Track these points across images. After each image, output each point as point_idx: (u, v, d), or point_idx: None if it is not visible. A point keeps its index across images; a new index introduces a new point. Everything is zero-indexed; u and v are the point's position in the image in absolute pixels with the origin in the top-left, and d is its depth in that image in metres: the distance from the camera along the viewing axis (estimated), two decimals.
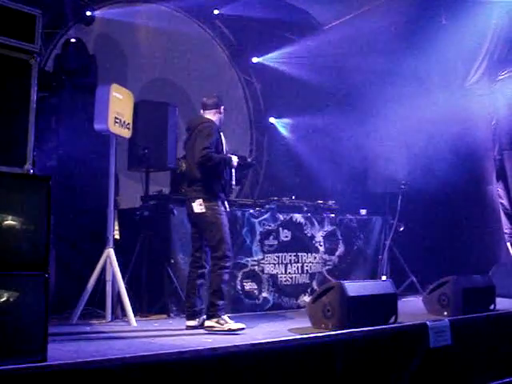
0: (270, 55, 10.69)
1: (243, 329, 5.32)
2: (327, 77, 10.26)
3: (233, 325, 5.37)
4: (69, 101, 7.18)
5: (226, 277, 5.61)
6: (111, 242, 5.98)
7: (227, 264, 5.60)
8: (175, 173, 7.69)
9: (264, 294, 7.14)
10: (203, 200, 5.65)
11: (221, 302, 5.52)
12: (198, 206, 5.65)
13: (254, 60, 10.98)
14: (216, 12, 10.15)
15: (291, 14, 10.28)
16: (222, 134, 6.01)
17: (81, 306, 5.76)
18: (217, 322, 5.43)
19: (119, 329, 5.54)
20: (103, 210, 6.14)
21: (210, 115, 5.94)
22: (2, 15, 3.90)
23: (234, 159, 5.94)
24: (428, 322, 5.38)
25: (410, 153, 8.55)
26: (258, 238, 7.13)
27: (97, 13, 8.40)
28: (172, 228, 6.55)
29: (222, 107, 6.04)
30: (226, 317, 5.47)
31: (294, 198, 8.10)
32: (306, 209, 7.88)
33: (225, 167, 5.83)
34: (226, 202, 5.90)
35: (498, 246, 9.15)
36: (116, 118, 6.04)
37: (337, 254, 8.00)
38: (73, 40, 7.64)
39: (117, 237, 6.74)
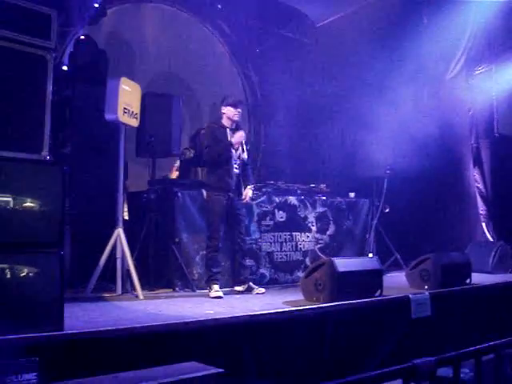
0: None
1: (220, 297, 5.82)
2: (319, 71, 10.26)
3: (213, 293, 5.91)
4: (82, 93, 7.17)
5: (212, 254, 6.12)
6: (121, 223, 5.99)
7: (210, 243, 6.12)
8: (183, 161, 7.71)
9: (261, 270, 7.16)
10: (206, 191, 6.30)
11: (209, 273, 6.11)
12: (204, 195, 6.38)
13: None
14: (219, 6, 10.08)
15: (285, 13, 10.24)
16: (228, 130, 6.31)
17: (93, 280, 5.77)
18: (209, 288, 6.04)
19: (129, 301, 5.56)
20: (113, 193, 6.15)
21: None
22: (22, 15, 3.91)
23: (236, 137, 6.27)
24: (410, 295, 5.42)
25: (395, 140, 8.54)
26: (255, 218, 7.15)
27: (107, 12, 8.34)
28: (176, 210, 6.55)
29: (225, 107, 6.34)
30: (214, 285, 6.01)
31: (288, 181, 8.10)
32: (299, 192, 7.87)
33: (226, 155, 6.18)
34: (231, 191, 6.26)
35: (474, 226, 9.20)
36: (125, 108, 6.03)
37: (328, 233, 8.01)
38: (82, 37, 7.61)
39: (126, 218, 6.76)
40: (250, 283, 6.31)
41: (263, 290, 6.27)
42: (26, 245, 3.61)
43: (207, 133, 6.33)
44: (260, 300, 5.74)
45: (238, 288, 6.33)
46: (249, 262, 6.77)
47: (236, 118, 6.33)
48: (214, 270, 6.08)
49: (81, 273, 6.16)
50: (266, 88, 11.26)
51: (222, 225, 6.17)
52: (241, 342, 4.20)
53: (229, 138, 6.27)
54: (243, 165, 6.46)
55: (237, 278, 6.40)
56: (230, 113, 6.30)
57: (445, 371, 3.48)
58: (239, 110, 6.36)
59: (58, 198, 3.77)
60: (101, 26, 8.23)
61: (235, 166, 6.31)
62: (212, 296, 5.84)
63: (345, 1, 9.54)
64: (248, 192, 6.44)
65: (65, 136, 6.90)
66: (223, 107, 6.35)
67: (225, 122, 6.34)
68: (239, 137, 6.28)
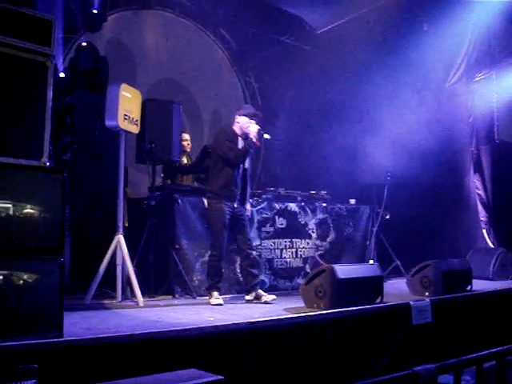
0: None
1: (221, 305, 5.77)
2: (320, 78, 10.29)
3: (213, 300, 5.86)
4: (82, 99, 7.17)
5: (212, 263, 6.08)
6: (121, 229, 5.97)
7: (213, 252, 6.08)
8: (171, 165, 7.70)
9: (261, 277, 7.12)
10: (207, 198, 6.25)
11: (210, 281, 6.04)
12: (205, 203, 6.33)
13: None
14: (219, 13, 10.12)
15: (286, 20, 10.27)
16: (240, 139, 6.24)
17: (94, 287, 5.75)
18: (209, 295, 5.98)
19: (129, 308, 5.54)
20: (113, 200, 6.14)
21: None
22: (23, 21, 3.91)
23: (252, 131, 6.15)
24: (411, 302, 5.41)
25: (395, 147, 8.54)
26: (255, 225, 7.14)
27: (108, 18, 8.37)
28: (177, 216, 6.55)
29: (240, 116, 6.26)
30: (214, 293, 5.96)
31: (289, 188, 8.09)
32: (299, 198, 7.87)
33: (241, 158, 6.15)
34: (235, 200, 6.17)
35: (474, 232, 9.20)
36: (125, 115, 6.02)
37: (328, 240, 8.01)
38: (84, 44, 7.62)
39: (126, 224, 6.75)
40: (259, 291, 6.17)
41: (273, 296, 6.10)
42: (25, 251, 3.60)
43: (224, 136, 6.23)
44: (260, 307, 5.71)
45: (247, 297, 6.22)
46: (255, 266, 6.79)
47: (248, 131, 6.18)
48: (216, 279, 6.03)
49: (81, 279, 6.15)
50: (266, 95, 11.29)
51: (226, 232, 6.08)
52: (241, 349, 4.18)
53: (240, 146, 6.20)
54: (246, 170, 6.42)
55: (244, 286, 6.34)
56: (243, 123, 6.21)
57: (445, 378, 3.47)
58: (253, 121, 6.23)
59: (58, 204, 3.77)
60: (101, 32, 8.25)
61: (240, 175, 6.27)
62: (212, 303, 5.80)
63: (345, 8, 9.56)
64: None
65: (65, 142, 6.90)
66: (238, 116, 6.28)
67: (237, 130, 6.26)
68: (255, 129, 6.16)
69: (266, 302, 6.00)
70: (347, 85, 9.80)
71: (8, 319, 3.41)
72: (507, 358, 3.82)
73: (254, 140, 6.14)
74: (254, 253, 6.40)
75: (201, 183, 7.61)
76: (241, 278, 6.80)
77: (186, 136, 8.05)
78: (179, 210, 6.57)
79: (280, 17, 10.15)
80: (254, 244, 6.93)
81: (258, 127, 6.19)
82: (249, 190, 6.45)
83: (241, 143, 6.24)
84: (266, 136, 6.29)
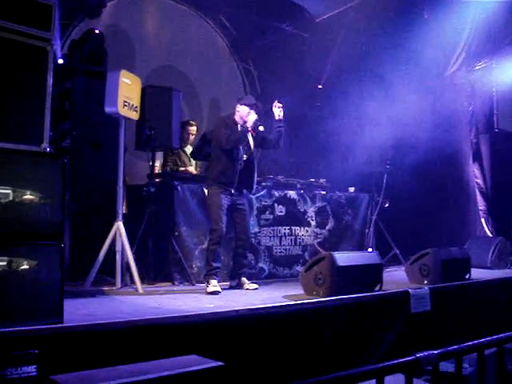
0: None
1: (218, 292, 5.67)
2: (319, 66, 10.25)
3: (210, 288, 5.72)
4: (81, 86, 7.13)
5: (212, 247, 5.97)
6: (120, 216, 5.97)
7: (212, 237, 5.99)
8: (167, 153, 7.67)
9: (260, 264, 7.15)
10: (206, 186, 6.28)
11: (208, 267, 5.96)
12: (206, 192, 6.35)
13: None
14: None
15: (285, 8, 10.21)
16: (239, 127, 6.22)
17: (93, 273, 5.75)
18: (206, 283, 5.87)
19: (128, 295, 5.54)
20: (113, 187, 6.12)
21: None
22: (22, 5, 3.88)
23: (250, 120, 6.18)
24: (410, 290, 5.41)
25: (394, 135, 8.51)
26: (254, 212, 7.13)
27: (107, 5, 8.32)
28: (176, 203, 6.54)
29: (240, 105, 6.26)
30: (212, 280, 5.84)
31: (288, 176, 8.08)
32: (299, 186, 7.86)
33: (242, 141, 6.18)
34: (232, 186, 6.12)
35: (473, 221, 9.20)
36: (125, 101, 6.00)
37: (327, 227, 8.00)
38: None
39: (125, 211, 6.74)
40: (243, 278, 6.23)
41: (256, 285, 6.15)
42: (25, 237, 3.59)
43: (222, 123, 6.27)
44: (260, 294, 5.72)
45: (231, 282, 6.34)
46: (248, 256, 6.78)
47: (247, 119, 6.20)
48: (214, 265, 5.94)
49: (80, 266, 6.14)
50: (265, 82, 11.24)
51: (225, 217, 6.03)
52: (241, 336, 4.18)
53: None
54: (263, 142, 6.56)
55: (231, 272, 6.41)
56: (243, 112, 6.21)
57: (443, 366, 3.46)
58: (253, 111, 6.23)
59: (58, 190, 3.75)
60: (100, 18, 8.21)
61: (240, 162, 6.20)
62: (209, 291, 5.68)
63: None
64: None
65: (64, 129, 6.87)
66: (238, 105, 6.28)
67: (237, 119, 6.26)
68: (253, 118, 6.20)
69: (247, 289, 6.07)
70: (346, 73, 9.77)
71: (8, 305, 3.41)
72: (505, 346, 3.81)
73: (249, 128, 6.18)
74: (249, 243, 6.48)
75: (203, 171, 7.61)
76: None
77: (193, 128, 8.00)
78: (178, 197, 6.56)
79: (279, 4, 10.10)
80: (252, 231, 6.95)
81: (255, 117, 6.21)
82: (254, 179, 6.39)
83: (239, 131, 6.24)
84: (261, 128, 6.32)
